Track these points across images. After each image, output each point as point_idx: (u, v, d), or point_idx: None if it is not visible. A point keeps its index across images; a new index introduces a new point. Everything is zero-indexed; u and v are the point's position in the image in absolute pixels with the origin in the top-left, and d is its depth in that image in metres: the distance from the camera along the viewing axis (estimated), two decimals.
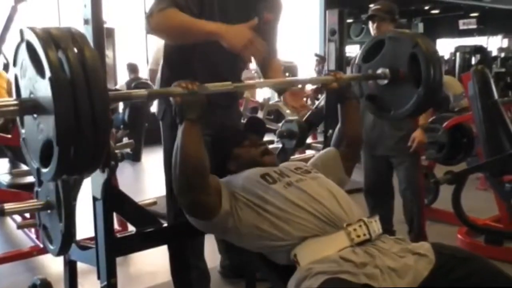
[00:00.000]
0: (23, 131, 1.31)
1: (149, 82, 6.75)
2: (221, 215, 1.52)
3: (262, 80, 2.09)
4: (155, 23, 1.71)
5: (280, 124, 2.50)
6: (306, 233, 1.46)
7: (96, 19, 1.48)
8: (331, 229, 1.47)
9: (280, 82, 1.96)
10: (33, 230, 3.08)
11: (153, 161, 5.97)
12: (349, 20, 13.87)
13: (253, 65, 2.21)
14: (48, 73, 1.07)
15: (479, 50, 10.99)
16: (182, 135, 1.47)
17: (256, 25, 1.91)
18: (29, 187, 2.57)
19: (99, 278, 1.63)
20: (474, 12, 15.18)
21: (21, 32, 1.17)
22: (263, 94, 7.48)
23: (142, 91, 1.45)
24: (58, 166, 1.13)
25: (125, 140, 5.92)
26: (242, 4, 1.87)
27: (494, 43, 16.34)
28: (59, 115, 1.07)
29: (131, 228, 1.82)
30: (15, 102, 1.17)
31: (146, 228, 1.75)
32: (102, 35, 1.52)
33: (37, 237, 2.97)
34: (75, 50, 1.11)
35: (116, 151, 2.44)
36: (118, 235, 1.77)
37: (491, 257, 1.46)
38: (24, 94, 1.22)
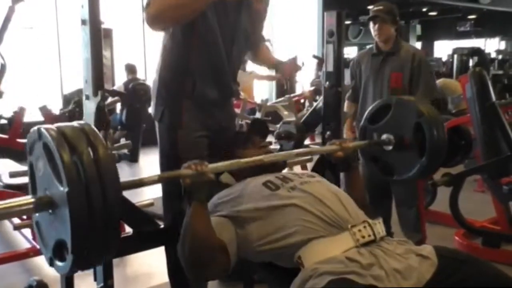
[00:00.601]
0: (36, 215, 1.32)
1: (146, 82, 6.75)
2: (232, 261, 1.52)
3: (275, 153, 2.03)
4: (154, 10, 1.72)
5: (278, 126, 2.50)
6: (310, 235, 1.46)
7: (94, 20, 1.48)
8: (336, 230, 1.46)
9: (288, 155, 1.94)
10: (29, 231, 3.07)
11: (150, 162, 5.97)
12: (347, 22, 13.89)
13: (249, 67, 2.24)
14: (66, 187, 1.11)
15: (477, 52, 11.01)
16: (191, 216, 1.47)
17: (247, 15, 1.93)
18: (25, 187, 2.56)
19: (95, 279, 1.62)
20: (472, 14, 15.23)
21: (39, 131, 1.20)
22: (261, 95, 7.49)
23: (153, 177, 1.46)
24: (73, 266, 1.18)
25: (123, 141, 5.93)
26: None
27: (491, 45, 16.39)
28: (75, 227, 1.11)
29: (128, 229, 1.81)
30: (31, 200, 1.21)
31: (143, 229, 1.74)
32: (100, 35, 1.52)
33: (34, 238, 2.96)
34: (90, 152, 1.16)
35: (113, 151, 2.43)
36: None
37: (488, 259, 1.46)
38: (40, 187, 1.26)
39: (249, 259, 1.59)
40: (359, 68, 3.11)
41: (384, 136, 2.01)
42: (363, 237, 1.45)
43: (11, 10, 3.57)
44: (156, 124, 2.03)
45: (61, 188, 1.12)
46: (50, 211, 1.21)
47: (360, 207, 1.63)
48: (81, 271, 1.26)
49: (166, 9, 1.74)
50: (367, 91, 3.02)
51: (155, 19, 1.76)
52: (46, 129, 1.17)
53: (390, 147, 2.00)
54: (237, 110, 4.85)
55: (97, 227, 1.13)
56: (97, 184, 1.13)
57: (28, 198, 1.21)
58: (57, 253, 1.22)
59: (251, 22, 1.97)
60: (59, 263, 1.23)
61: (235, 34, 1.93)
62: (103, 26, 1.58)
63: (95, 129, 1.24)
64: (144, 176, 1.48)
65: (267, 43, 2.23)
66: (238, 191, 1.64)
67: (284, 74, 2.25)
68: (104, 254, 1.24)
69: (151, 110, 2.05)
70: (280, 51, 2.45)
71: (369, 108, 2.16)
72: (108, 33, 7.11)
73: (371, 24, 2.97)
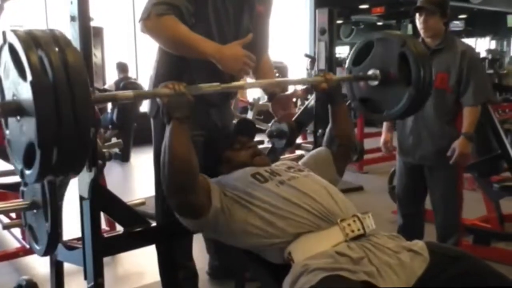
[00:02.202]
0: (7, 132, 1.30)
1: (138, 82, 6.72)
2: (211, 214, 1.51)
3: (251, 81, 2.08)
4: (152, 28, 1.71)
5: (270, 124, 2.50)
6: (300, 229, 1.46)
7: (83, 16, 1.47)
8: (325, 224, 1.47)
9: (269, 83, 1.95)
10: (19, 230, 3.04)
11: (142, 161, 5.95)
12: (339, 21, 13.92)
13: None
14: (29, 77, 1.07)
15: None
16: (170, 135, 1.46)
17: (249, 18, 1.91)
18: (15, 186, 2.54)
19: (86, 278, 1.61)
20: (462, 14, 15.31)
21: (4, 34, 1.16)
22: (253, 94, 7.47)
23: (129, 93, 1.44)
24: (41, 168, 1.13)
25: (114, 140, 5.89)
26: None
27: (482, 45, 16.50)
28: (40, 118, 1.07)
29: (119, 228, 1.80)
30: None
31: (134, 228, 1.73)
32: (89, 32, 1.50)
33: (23, 238, 2.94)
34: (58, 51, 1.11)
35: (104, 150, 2.41)
36: (106, 235, 1.75)
37: (479, 257, 1.47)
38: (8, 96, 1.22)
39: (235, 242, 1.58)
40: None
41: (370, 72, 1.98)
42: (353, 231, 1.45)
43: (0, 8, 3.54)
44: (151, 120, 2.01)
45: (26, 83, 1.08)
46: (18, 117, 1.17)
47: (345, 139, 1.66)
48: (53, 176, 1.20)
49: (163, 37, 1.73)
50: None
51: (149, 35, 1.74)
52: (12, 30, 1.13)
53: (377, 82, 1.97)
54: None
55: (65, 128, 1.09)
56: (64, 82, 1.08)
57: None
58: (27, 161, 1.18)
59: (253, 24, 1.96)
60: (28, 172, 1.19)
61: (237, 36, 1.91)
62: (93, 23, 1.56)
63: (66, 35, 1.19)
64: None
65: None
66: (226, 176, 1.67)
67: (272, 108, 2.15)
68: (72, 161, 1.17)
69: (146, 106, 2.04)
70: (272, 50, 2.36)
71: (352, 50, 2.12)
72: (98, 31, 7.06)
73: (416, 16, 2.58)
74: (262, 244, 1.51)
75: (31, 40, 1.10)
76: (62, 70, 1.09)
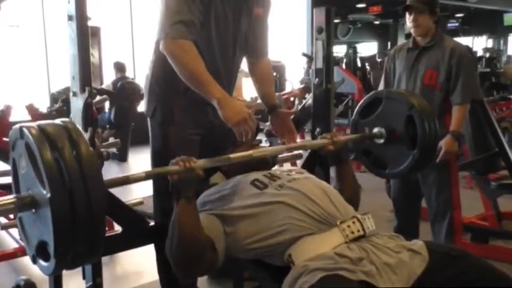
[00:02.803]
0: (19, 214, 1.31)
1: (135, 81, 6.71)
2: (220, 258, 1.52)
3: (263, 147, 2.03)
4: (168, 51, 1.71)
5: (267, 124, 2.49)
6: (300, 233, 1.46)
7: (80, 15, 1.47)
8: (325, 227, 1.46)
9: (279, 150, 1.93)
10: (16, 230, 3.04)
11: (139, 161, 5.94)
12: (336, 20, 13.93)
13: (243, 66, 2.18)
14: (48, 192, 1.09)
15: None
16: (180, 214, 1.46)
17: (247, 21, 1.91)
18: (7, 187, 2.54)
19: (84, 278, 1.61)
20: (460, 13, 15.35)
21: (21, 131, 1.18)
22: (251, 93, 7.47)
23: (140, 174, 1.44)
24: (56, 267, 1.17)
25: (111, 139, 5.88)
26: (236, 2, 1.86)
27: (479, 43, 16.54)
28: (57, 231, 1.10)
29: (117, 228, 1.80)
30: (13, 200, 1.19)
31: (133, 227, 1.73)
32: (87, 31, 1.50)
33: (21, 238, 2.93)
34: (71, 150, 1.14)
35: (102, 150, 2.41)
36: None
37: (477, 255, 1.47)
38: (22, 185, 1.25)
39: (238, 256, 1.59)
40: (393, 62, 2.78)
41: (375, 130, 2.01)
42: (352, 232, 1.45)
43: None
44: (148, 120, 2.01)
45: (44, 192, 1.11)
46: (33, 210, 1.19)
47: (352, 202, 1.63)
48: (66, 270, 1.25)
49: (177, 63, 1.71)
50: (400, 88, 2.69)
51: (166, 55, 1.73)
52: (28, 128, 1.16)
53: (382, 140, 2.00)
54: None
55: (81, 230, 1.12)
56: (80, 185, 1.11)
57: (10, 198, 1.20)
58: (40, 252, 1.21)
59: (251, 27, 1.95)
60: (42, 263, 1.22)
61: (235, 39, 1.91)
62: (91, 24, 1.56)
63: (78, 127, 1.22)
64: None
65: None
66: (226, 190, 1.64)
67: (271, 126, 2.11)
68: (88, 257, 1.22)
69: (143, 106, 2.03)
70: (270, 50, 2.34)
71: (360, 102, 2.15)
72: (96, 31, 7.03)
73: (406, 15, 2.60)
74: (263, 252, 1.52)
75: (46, 142, 1.13)
76: (78, 173, 1.12)
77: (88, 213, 1.12)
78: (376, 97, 2.09)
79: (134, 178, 1.42)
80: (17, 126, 1.21)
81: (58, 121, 1.22)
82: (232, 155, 1.63)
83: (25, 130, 1.16)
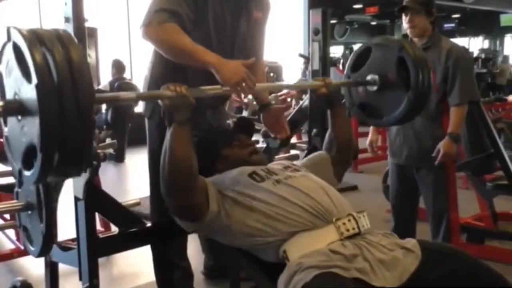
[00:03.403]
0: (5, 129, 1.28)
1: (132, 82, 6.70)
2: (209, 216, 1.52)
3: (261, 84, 2.04)
4: (153, 35, 1.71)
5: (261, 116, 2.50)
6: (296, 228, 1.47)
7: (77, 17, 1.47)
8: (321, 223, 1.47)
9: (268, 87, 1.95)
10: (13, 231, 3.04)
11: (137, 161, 5.93)
12: (333, 21, 13.95)
13: None
14: (34, 80, 1.06)
15: None
16: (171, 137, 1.47)
17: (246, 23, 1.91)
18: (9, 188, 2.53)
19: (81, 279, 1.61)
20: (456, 14, 15.39)
21: (8, 31, 1.15)
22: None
23: (131, 94, 1.45)
24: (41, 170, 1.12)
25: (108, 140, 5.88)
26: (235, 5, 1.87)
27: (475, 44, 16.59)
28: (44, 121, 1.06)
29: (115, 229, 1.81)
30: (0, 104, 1.15)
31: (129, 228, 1.73)
32: (84, 33, 1.50)
33: (18, 239, 2.93)
34: (62, 50, 1.10)
35: (99, 151, 2.42)
36: (101, 235, 1.75)
37: (473, 255, 1.48)
38: (9, 94, 1.21)
39: (230, 241, 1.59)
40: None
41: (368, 77, 1.99)
42: (348, 230, 1.47)
43: None
44: (146, 121, 2.01)
45: (30, 85, 1.07)
46: (19, 117, 1.16)
47: (345, 144, 1.65)
48: (53, 178, 1.19)
49: (165, 45, 1.72)
50: None
51: (151, 42, 1.74)
52: (17, 28, 1.12)
53: (375, 87, 1.97)
54: None
55: (68, 129, 1.08)
56: (68, 83, 1.07)
57: None
58: (26, 162, 1.17)
59: (250, 30, 1.96)
60: (27, 173, 1.18)
61: (234, 41, 1.92)
62: (87, 24, 1.57)
63: (71, 34, 1.19)
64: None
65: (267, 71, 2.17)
66: (223, 175, 1.67)
67: (264, 122, 2.12)
68: (74, 163, 1.16)
69: (141, 107, 2.04)
70: (266, 51, 2.34)
71: (350, 56, 2.12)
72: (93, 32, 7.05)
73: (402, 16, 2.58)
74: (257, 243, 1.52)
75: (36, 39, 1.09)
76: (67, 71, 1.08)
77: (76, 114, 1.09)
78: (365, 47, 2.06)
79: (125, 97, 1.43)
80: (4, 28, 1.18)
81: (49, 28, 1.18)
82: (224, 88, 1.65)
83: (13, 29, 1.12)
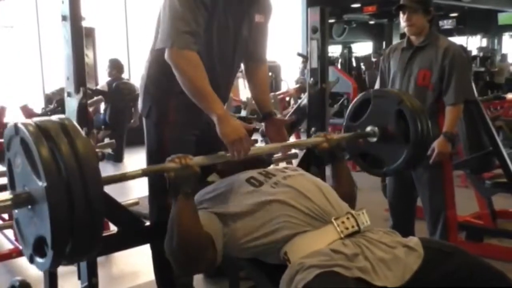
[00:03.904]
0: (16, 212, 1.29)
1: (130, 82, 6.69)
2: (218, 257, 1.53)
3: (259, 146, 2.02)
4: (175, 61, 1.71)
5: (263, 123, 2.49)
6: (295, 230, 1.47)
7: (74, 16, 1.47)
8: (320, 223, 1.47)
9: (274, 148, 1.93)
10: (11, 232, 3.03)
11: (135, 161, 5.93)
12: (331, 20, 13.95)
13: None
14: (44, 181, 1.08)
15: None
16: (178, 210, 1.47)
17: (247, 27, 1.91)
18: (7, 188, 2.53)
19: (79, 278, 1.61)
20: (454, 12, 15.39)
21: (16, 127, 1.18)
22: (247, 93, 7.49)
23: (137, 171, 1.45)
24: (53, 262, 1.16)
25: (107, 140, 5.87)
26: (238, 9, 1.87)
27: (473, 43, 16.60)
28: (54, 221, 1.09)
29: (114, 228, 1.80)
30: (9, 197, 1.18)
31: (128, 227, 1.73)
32: (81, 32, 1.50)
33: (16, 239, 2.92)
34: (68, 144, 1.13)
35: (97, 150, 2.41)
36: None
37: (472, 253, 1.48)
38: (18, 184, 1.24)
39: (235, 255, 1.59)
40: (388, 62, 2.73)
41: (368, 128, 2.03)
42: (347, 228, 1.46)
43: None
44: (144, 120, 2.01)
45: (40, 183, 1.10)
46: (29, 207, 1.19)
47: (348, 200, 1.64)
48: (64, 266, 1.23)
49: (181, 74, 1.71)
50: (393, 88, 2.64)
51: (172, 65, 1.72)
52: (24, 124, 1.15)
53: (375, 139, 2.01)
54: None
55: (78, 222, 1.11)
56: (77, 178, 1.10)
57: (5, 195, 1.19)
58: (37, 249, 1.20)
59: (252, 34, 1.95)
60: (39, 260, 1.21)
61: (235, 46, 1.91)
62: (86, 25, 1.56)
63: (75, 123, 1.21)
64: None
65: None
66: (222, 188, 1.65)
67: (265, 131, 2.07)
68: (86, 251, 1.21)
69: (139, 106, 2.03)
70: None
71: (349, 107, 2.17)
72: (90, 32, 7.04)
73: (400, 15, 2.57)
74: (260, 250, 1.53)
75: (42, 136, 1.12)
76: (75, 166, 1.11)
77: (86, 206, 1.12)
78: (364, 98, 2.11)
79: (131, 175, 1.44)
80: (12, 123, 1.20)
81: (54, 117, 1.21)
82: (228, 153, 1.64)
83: (20, 126, 1.15)
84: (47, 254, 1.16)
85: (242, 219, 1.53)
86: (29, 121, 1.17)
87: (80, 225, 1.12)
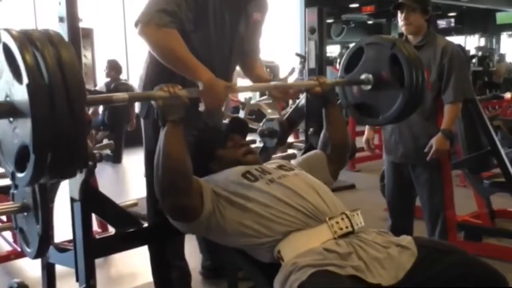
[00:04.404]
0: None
1: (129, 82, 6.69)
2: (203, 216, 1.52)
3: (245, 85, 2.06)
4: (152, 37, 1.70)
5: (261, 124, 2.50)
6: (289, 228, 1.47)
7: (71, 17, 1.47)
8: (314, 222, 1.48)
9: (262, 87, 1.95)
10: (10, 233, 3.02)
11: (134, 162, 5.92)
12: (330, 20, 13.96)
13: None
14: (25, 80, 1.05)
15: None
16: (165, 137, 1.47)
17: (244, 25, 1.91)
18: (5, 189, 2.52)
19: (77, 280, 1.60)
20: (452, 12, 15.41)
21: None
22: (245, 93, 7.49)
23: (123, 95, 1.44)
24: (34, 171, 1.12)
25: (105, 141, 5.87)
26: (234, 6, 1.86)
27: (471, 42, 16.62)
28: (36, 122, 1.06)
29: (112, 229, 1.80)
30: None
31: (126, 229, 1.73)
32: (78, 33, 1.50)
33: (14, 241, 2.92)
34: (53, 50, 1.09)
35: (95, 151, 2.41)
36: (97, 236, 1.74)
37: (471, 253, 1.48)
38: (0, 96, 1.20)
39: (225, 241, 1.58)
40: None
41: (362, 76, 1.99)
42: (341, 229, 1.47)
43: None
44: (142, 121, 2.01)
45: (21, 86, 1.07)
46: (11, 119, 1.16)
47: (342, 144, 1.65)
48: (46, 179, 1.18)
49: (161, 49, 1.71)
50: None
51: (146, 41, 1.72)
52: (6, 29, 1.11)
53: (370, 86, 1.98)
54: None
55: (60, 128, 1.08)
56: (59, 82, 1.07)
57: None
58: (19, 164, 1.17)
59: (248, 31, 1.96)
60: (20, 175, 1.17)
61: (232, 42, 1.92)
62: (82, 24, 1.56)
63: (61, 34, 1.19)
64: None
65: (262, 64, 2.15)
66: (217, 175, 1.67)
67: (271, 94, 2.07)
68: (67, 164, 1.16)
69: (136, 107, 2.03)
70: (263, 50, 2.32)
71: (343, 57, 2.13)
72: (88, 32, 7.03)
73: (398, 14, 2.57)
74: (252, 243, 1.52)
75: (26, 39, 1.09)
76: (58, 71, 1.08)
77: (68, 115, 1.08)
78: (357, 47, 2.06)
79: (117, 98, 1.43)
80: None
81: (40, 28, 1.18)
82: None
83: (2, 31, 1.12)
84: (28, 166, 1.12)
85: (234, 206, 1.54)
86: (13, 28, 1.14)
87: (61, 132, 1.08)
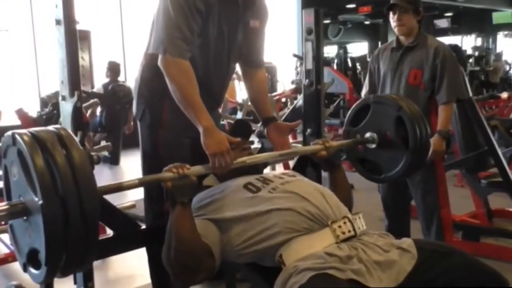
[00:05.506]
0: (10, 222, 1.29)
1: (126, 84, 6.68)
2: (217, 261, 1.52)
3: (257, 155, 1.99)
4: (167, 69, 1.70)
5: (259, 125, 2.49)
6: (292, 234, 1.46)
7: (68, 20, 1.46)
8: (318, 226, 1.47)
9: (267, 157, 1.91)
10: (7, 236, 3.02)
11: (131, 164, 5.92)
12: (327, 21, 13.97)
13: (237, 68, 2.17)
14: (40, 198, 1.08)
15: (454, 49, 11.15)
16: (175, 220, 1.46)
17: (243, 32, 1.91)
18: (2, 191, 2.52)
19: (75, 282, 1.60)
20: (449, 12, 15.44)
21: (14, 137, 1.17)
22: (243, 95, 7.49)
23: (133, 181, 1.44)
24: (47, 275, 1.16)
25: (103, 143, 5.87)
26: (233, 15, 1.86)
27: (468, 42, 16.65)
28: (49, 236, 1.09)
29: (110, 232, 1.79)
30: (5, 207, 1.18)
31: (124, 231, 1.72)
32: (75, 35, 1.49)
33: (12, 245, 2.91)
34: (64, 155, 1.13)
35: (93, 153, 2.41)
36: None
37: (468, 253, 1.48)
38: (14, 193, 1.24)
39: (232, 260, 1.59)
40: (377, 63, 2.76)
41: (367, 135, 2.03)
42: (344, 233, 1.46)
43: None
44: (138, 123, 2.01)
45: (35, 199, 1.10)
46: (24, 217, 1.18)
47: (346, 204, 1.64)
48: (58, 278, 1.24)
49: (173, 82, 1.70)
50: (384, 89, 2.70)
51: (164, 72, 1.72)
52: (20, 135, 1.15)
53: (374, 145, 2.02)
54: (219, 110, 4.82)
55: (73, 236, 1.11)
56: (73, 192, 1.10)
57: (1, 205, 1.19)
58: (31, 260, 1.20)
59: (246, 39, 1.95)
60: (33, 271, 1.20)
61: (230, 49, 1.91)
62: (81, 28, 1.56)
63: (72, 133, 1.21)
64: (125, 179, 1.46)
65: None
66: (219, 194, 1.64)
67: (268, 135, 2.00)
68: (80, 263, 1.21)
69: (133, 109, 2.03)
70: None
71: (349, 111, 2.17)
72: (86, 35, 7.03)
73: (390, 15, 2.61)
74: (257, 255, 1.52)
75: (39, 149, 1.11)
76: (71, 182, 1.11)
77: (81, 220, 1.11)
78: (364, 104, 2.11)
79: (128, 185, 1.43)
80: (9, 132, 1.20)
81: (50, 127, 1.21)
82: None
83: (17, 136, 1.15)
84: (41, 267, 1.15)
85: (239, 224, 1.52)
86: (26, 131, 1.17)
87: (74, 239, 1.11)
